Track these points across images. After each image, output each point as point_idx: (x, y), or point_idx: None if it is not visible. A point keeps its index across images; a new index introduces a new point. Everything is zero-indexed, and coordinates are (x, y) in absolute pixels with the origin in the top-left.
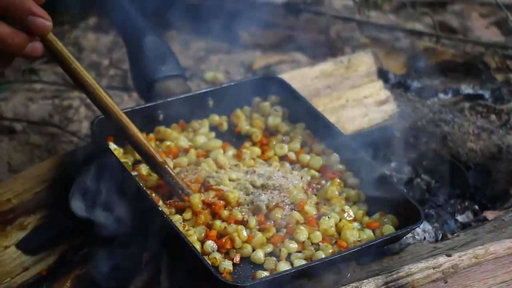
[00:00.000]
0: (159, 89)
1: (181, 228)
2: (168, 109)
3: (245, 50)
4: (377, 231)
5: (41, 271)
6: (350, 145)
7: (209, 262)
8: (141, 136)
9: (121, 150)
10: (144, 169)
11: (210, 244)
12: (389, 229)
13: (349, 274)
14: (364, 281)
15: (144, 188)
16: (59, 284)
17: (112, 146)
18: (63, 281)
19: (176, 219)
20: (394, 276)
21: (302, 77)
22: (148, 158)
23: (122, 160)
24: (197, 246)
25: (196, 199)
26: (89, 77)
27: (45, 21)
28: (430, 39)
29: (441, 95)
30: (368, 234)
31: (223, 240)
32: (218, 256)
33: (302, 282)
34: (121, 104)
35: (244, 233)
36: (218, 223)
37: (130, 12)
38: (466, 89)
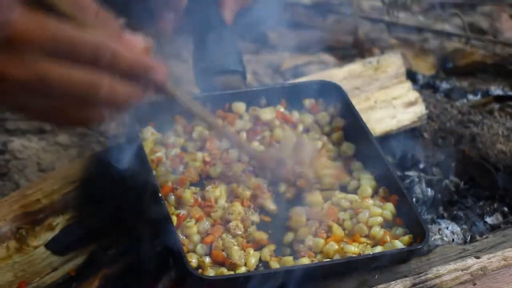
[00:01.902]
0: (216, 82)
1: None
2: (217, 103)
3: (273, 51)
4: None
5: (70, 271)
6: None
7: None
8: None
9: (159, 135)
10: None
11: (203, 247)
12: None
13: (376, 276)
14: (392, 282)
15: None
16: (87, 283)
17: (150, 130)
18: (91, 280)
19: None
20: (422, 277)
21: (330, 78)
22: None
23: (149, 147)
24: (196, 238)
25: (187, 194)
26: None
27: (164, 71)
28: (459, 40)
29: (470, 96)
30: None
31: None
32: (207, 260)
33: (327, 283)
34: None
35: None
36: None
37: (207, 6)
38: (496, 90)
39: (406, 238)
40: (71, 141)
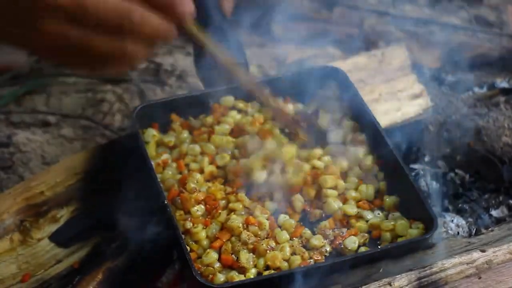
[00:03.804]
0: (218, 75)
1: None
2: (221, 97)
3: (278, 44)
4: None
5: (73, 264)
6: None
7: (189, 251)
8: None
9: (161, 136)
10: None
11: (213, 256)
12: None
13: (381, 269)
14: (397, 276)
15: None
16: (90, 276)
17: (151, 132)
18: (94, 273)
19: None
20: (428, 271)
21: None
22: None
23: (152, 149)
24: (205, 242)
25: (192, 202)
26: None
27: (190, 4)
28: (465, 33)
29: (476, 89)
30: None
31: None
32: (216, 265)
33: (334, 277)
34: (154, 97)
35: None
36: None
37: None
38: (502, 82)
39: (417, 227)
40: (75, 134)
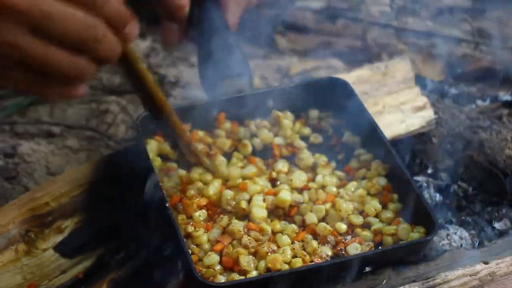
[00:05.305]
0: (222, 86)
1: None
2: (225, 108)
3: (281, 56)
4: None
5: (78, 274)
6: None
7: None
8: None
9: (164, 144)
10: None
11: (214, 258)
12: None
13: (384, 281)
14: None
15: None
16: (95, 287)
17: (154, 140)
18: (99, 284)
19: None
20: (431, 283)
21: None
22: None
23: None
24: (206, 246)
25: (194, 207)
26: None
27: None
28: (468, 46)
29: (479, 102)
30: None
31: (228, 260)
32: (218, 267)
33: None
34: None
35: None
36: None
37: (210, 11)
38: (504, 95)
39: (418, 231)
40: (80, 145)
